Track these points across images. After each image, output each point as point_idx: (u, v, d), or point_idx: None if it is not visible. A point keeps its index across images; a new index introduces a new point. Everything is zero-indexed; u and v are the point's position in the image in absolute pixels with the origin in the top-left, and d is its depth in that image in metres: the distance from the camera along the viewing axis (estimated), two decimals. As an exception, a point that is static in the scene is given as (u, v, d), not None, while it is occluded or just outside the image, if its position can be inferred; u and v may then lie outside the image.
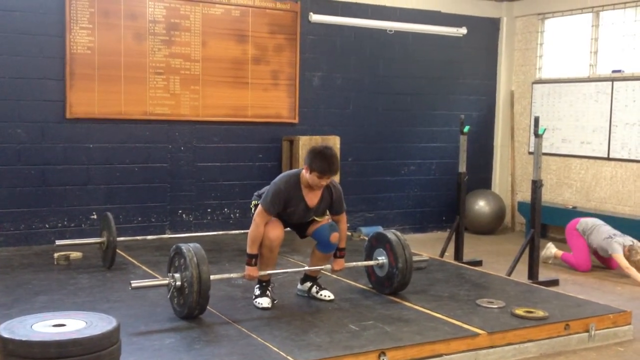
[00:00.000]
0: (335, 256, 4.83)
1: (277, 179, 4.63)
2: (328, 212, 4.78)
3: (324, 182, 4.51)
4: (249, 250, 4.53)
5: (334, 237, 4.70)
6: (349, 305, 4.74)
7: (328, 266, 4.86)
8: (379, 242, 5.09)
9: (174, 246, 4.47)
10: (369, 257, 5.15)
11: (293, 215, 4.64)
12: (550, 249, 7.02)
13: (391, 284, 4.96)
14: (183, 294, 4.30)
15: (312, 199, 4.61)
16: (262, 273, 4.62)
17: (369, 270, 5.21)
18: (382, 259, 5.02)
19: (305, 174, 4.51)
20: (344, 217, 4.81)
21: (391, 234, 5.05)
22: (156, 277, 5.44)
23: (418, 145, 8.67)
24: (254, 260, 4.54)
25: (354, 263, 5.16)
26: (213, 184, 7.45)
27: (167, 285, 4.41)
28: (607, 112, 7.91)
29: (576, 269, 6.71)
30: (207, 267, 4.28)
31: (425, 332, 4.15)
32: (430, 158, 8.74)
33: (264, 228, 4.51)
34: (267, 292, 4.69)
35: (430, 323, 4.35)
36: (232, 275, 4.74)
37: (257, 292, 4.71)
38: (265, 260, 4.64)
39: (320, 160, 4.42)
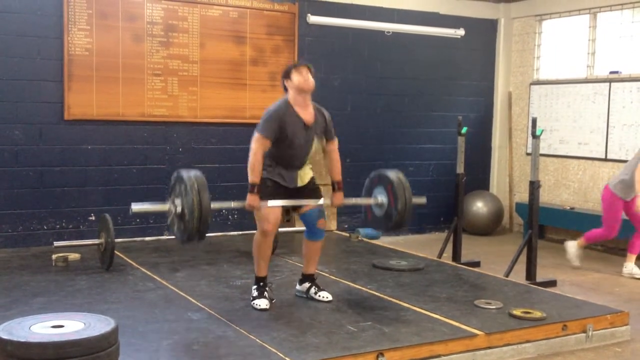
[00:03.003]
0: (333, 190, 4.81)
1: (266, 109, 4.65)
2: (324, 142, 4.77)
3: (306, 74, 4.58)
4: (249, 180, 4.52)
5: (321, 223, 4.72)
6: (347, 306, 4.75)
7: (328, 201, 4.81)
8: (380, 181, 5.03)
9: (174, 173, 4.44)
10: (368, 195, 5.11)
11: (295, 138, 4.57)
12: (570, 247, 6.97)
13: (387, 224, 4.94)
14: (183, 219, 4.26)
15: (307, 115, 4.62)
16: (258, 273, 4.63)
17: (366, 209, 5.16)
18: (382, 198, 4.98)
19: (290, 87, 4.61)
20: (336, 145, 4.82)
21: (393, 174, 5.01)
22: (155, 279, 5.45)
23: (416, 147, 8.68)
24: (255, 188, 4.50)
25: (354, 199, 5.12)
26: (211, 186, 7.33)
27: (168, 211, 4.38)
28: (604, 113, 7.93)
29: (606, 238, 6.83)
30: (207, 194, 4.24)
31: (423, 333, 4.15)
32: (428, 159, 8.75)
33: (261, 156, 4.50)
34: (265, 292, 4.69)
35: (428, 324, 4.35)
36: (232, 204, 4.62)
37: (255, 293, 4.71)
38: (259, 253, 4.63)
39: (288, 66, 4.67)
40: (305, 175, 4.76)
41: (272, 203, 4.56)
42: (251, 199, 4.50)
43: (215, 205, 4.38)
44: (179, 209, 4.30)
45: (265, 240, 4.63)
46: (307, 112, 4.64)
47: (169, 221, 4.43)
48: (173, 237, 4.44)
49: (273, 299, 4.73)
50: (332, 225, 7.79)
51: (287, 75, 4.66)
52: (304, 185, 4.74)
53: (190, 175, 4.31)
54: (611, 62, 7.99)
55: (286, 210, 4.74)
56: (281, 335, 4.08)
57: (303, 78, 4.58)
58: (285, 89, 4.70)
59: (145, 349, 3.82)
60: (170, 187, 4.47)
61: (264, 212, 4.54)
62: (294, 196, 4.71)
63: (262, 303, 4.62)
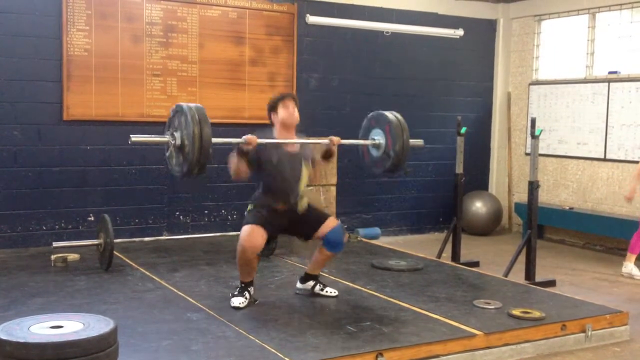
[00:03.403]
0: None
1: None
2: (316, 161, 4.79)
3: (292, 109, 4.67)
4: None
5: (346, 237, 4.80)
6: (347, 307, 4.75)
7: (326, 140, 4.82)
8: (378, 122, 5.02)
9: (173, 106, 4.42)
10: (365, 136, 5.10)
11: (280, 166, 4.58)
12: (629, 268, 6.54)
13: (384, 165, 4.94)
14: (183, 151, 4.24)
15: (291, 145, 4.69)
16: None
17: (363, 150, 5.15)
18: (379, 139, 4.96)
19: (275, 120, 4.68)
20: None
21: (392, 115, 4.99)
22: (155, 279, 5.45)
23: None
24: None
25: (352, 140, 5.11)
26: (210, 186, 7.45)
27: (166, 143, 4.36)
28: (603, 114, 7.93)
29: None
30: (208, 127, 4.22)
31: (422, 333, 4.16)
32: (427, 159, 8.75)
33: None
34: (246, 293, 4.65)
35: (427, 324, 4.35)
36: (232, 140, 4.62)
37: (236, 291, 4.70)
38: (242, 269, 4.61)
39: (274, 98, 4.74)
40: (304, 202, 4.75)
41: (267, 140, 4.56)
42: (250, 138, 4.47)
43: (215, 140, 4.34)
44: (178, 142, 4.27)
45: (246, 262, 4.56)
46: (291, 145, 4.70)
47: (167, 154, 4.40)
48: (172, 169, 4.40)
49: (256, 300, 4.70)
50: (331, 225, 7.78)
51: (273, 108, 4.73)
52: (302, 215, 4.72)
53: (191, 106, 4.30)
54: (610, 62, 7.99)
55: (270, 237, 4.70)
56: (280, 335, 4.08)
57: (289, 113, 4.67)
58: (271, 121, 4.76)
59: (144, 349, 3.82)
60: (168, 121, 4.44)
61: (249, 231, 4.48)
62: (296, 221, 4.69)
63: (237, 301, 4.59)
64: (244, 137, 4.49)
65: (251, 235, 4.48)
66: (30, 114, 6.60)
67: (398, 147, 4.82)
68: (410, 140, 4.97)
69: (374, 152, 5.01)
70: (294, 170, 4.66)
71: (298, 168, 4.68)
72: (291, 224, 4.71)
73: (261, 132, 4.68)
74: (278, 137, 4.68)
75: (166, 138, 4.37)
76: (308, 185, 4.89)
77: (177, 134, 4.29)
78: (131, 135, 4.40)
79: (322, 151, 4.88)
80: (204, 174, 4.40)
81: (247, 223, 4.56)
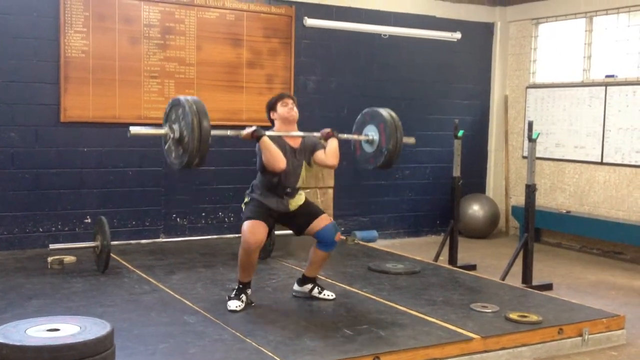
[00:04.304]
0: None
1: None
2: (319, 157, 4.76)
3: (291, 105, 4.73)
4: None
5: (338, 236, 4.77)
6: (344, 310, 4.75)
7: (318, 134, 4.85)
8: (372, 118, 5.06)
9: (171, 99, 4.43)
10: (359, 131, 5.13)
11: (287, 164, 4.59)
12: None
13: (376, 162, 4.97)
14: (182, 143, 4.24)
15: (293, 141, 4.72)
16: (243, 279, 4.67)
17: (356, 145, 5.20)
18: (373, 135, 4.98)
19: (276, 119, 4.74)
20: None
21: (386, 112, 5.02)
22: (151, 282, 5.44)
23: (412, 150, 8.66)
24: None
25: (347, 135, 5.13)
26: (207, 188, 7.45)
27: (165, 135, 4.37)
28: (600, 117, 7.94)
29: None
30: (207, 118, 4.22)
31: (419, 337, 4.15)
32: (425, 162, 8.76)
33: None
34: (242, 295, 4.67)
35: (424, 327, 4.35)
36: (229, 132, 4.67)
37: (232, 294, 4.70)
38: (243, 266, 4.62)
39: (273, 98, 4.81)
40: (298, 200, 4.78)
41: (269, 133, 4.60)
42: (250, 129, 4.52)
43: (214, 132, 4.34)
44: (177, 135, 4.27)
45: (248, 258, 4.59)
46: (293, 140, 4.74)
47: (165, 148, 4.40)
48: (171, 162, 4.40)
49: (252, 303, 4.71)
50: (329, 228, 7.77)
51: (272, 107, 4.79)
52: (296, 210, 4.75)
53: (188, 99, 4.31)
54: (607, 65, 8.01)
55: (269, 228, 4.72)
56: (277, 338, 4.08)
57: (288, 109, 4.72)
58: (271, 121, 4.80)
59: (141, 352, 3.81)
60: (165, 114, 4.44)
61: (246, 233, 4.52)
62: (290, 216, 4.74)
63: (233, 304, 4.60)
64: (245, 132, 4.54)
65: (254, 229, 4.52)
66: (28, 116, 6.59)
67: (392, 145, 4.87)
68: (403, 138, 5.01)
69: (367, 148, 5.07)
70: (295, 165, 4.69)
71: (298, 164, 4.72)
72: (287, 217, 4.76)
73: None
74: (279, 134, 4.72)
75: (164, 130, 4.37)
76: (304, 188, 4.90)
77: (176, 126, 4.30)
78: (130, 127, 4.41)
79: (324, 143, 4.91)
80: (202, 166, 4.38)
81: (248, 218, 4.58)
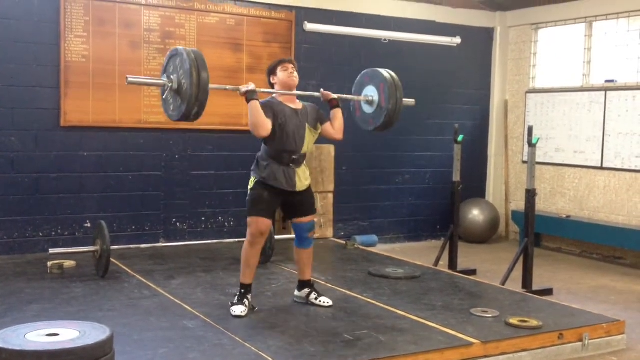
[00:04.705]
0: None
1: None
2: (324, 128, 4.78)
3: (292, 70, 4.72)
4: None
5: (312, 234, 4.83)
6: (343, 315, 4.74)
7: (318, 94, 4.86)
8: (372, 79, 5.04)
9: (170, 50, 4.40)
10: (359, 92, 5.12)
11: (286, 126, 4.59)
12: None
13: (376, 122, 4.96)
14: (180, 92, 4.23)
15: (294, 105, 4.73)
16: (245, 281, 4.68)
17: (355, 105, 5.18)
18: (373, 95, 4.97)
19: (276, 83, 4.73)
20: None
21: (387, 73, 5.00)
22: (151, 287, 5.43)
23: (412, 154, 8.69)
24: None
25: (346, 95, 5.13)
26: (207, 193, 7.45)
27: (163, 86, 4.35)
28: (600, 122, 7.95)
29: None
30: (206, 70, 4.20)
31: (419, 342, 4.15)
32: (425, 167, 8.76)
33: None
34: (245, 300, 4.67)
35: (424, 332, 4.35)
36: (228, 87, 4.64)
37: (235, 299, 4.70)
38: (247, 261, 4.64)
39: (273, 62, 4.80)
40: (304, 178, 4.75)
41: (264, 90, 4.60)
42: (246, 88, 4.51)
43: (212, 86, 4.34)
44: (175, 85, 4.27)
45: (253, 250, 4.65)
46: (294, 103, 4.76)
47: (163, 98, 4.40)
48: (170, 114, 4.40)
49: (255, 308, 4.71)
50: (329, 232, 7.78)
51: (272, 71, 4.78)
52: (301, 192, 4.74)
53: (187, 49, 4.30)
54: (607, 70, 8.02)
55: (282, 217, 4.76)
56: (277, 343, 4.07)
57: (288, 73, 4.72)
58: (271, 85, 4.80)
59: (140, 357, 3.81)
60: (163, 67, 4.43)
61: (256, 223, 4.58)
62: (291, 202, 4.74)
63: (238, 310, 4.60)
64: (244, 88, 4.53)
65: (258, 225, 4.58)
66: (28, 120, 6.60)
67: (392, 104, 4.87)
68: (403, 100, 5.01)
69: (367, 109, 5.06)
70: (297, 125, 4.66)
71: (301, 125, 4.68)
72: (286, 203, 4.78)
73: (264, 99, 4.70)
74: (279, 98, 4.71)
75: (162, 81, 4.37)
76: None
77: (174, 77, 4.29)
78: (127, 76, 4.44)
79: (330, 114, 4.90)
80: (200, 117, 4.36)
81: (251, 215, 4.61)
